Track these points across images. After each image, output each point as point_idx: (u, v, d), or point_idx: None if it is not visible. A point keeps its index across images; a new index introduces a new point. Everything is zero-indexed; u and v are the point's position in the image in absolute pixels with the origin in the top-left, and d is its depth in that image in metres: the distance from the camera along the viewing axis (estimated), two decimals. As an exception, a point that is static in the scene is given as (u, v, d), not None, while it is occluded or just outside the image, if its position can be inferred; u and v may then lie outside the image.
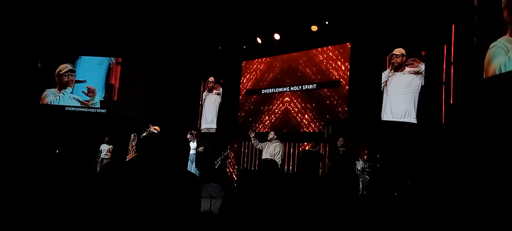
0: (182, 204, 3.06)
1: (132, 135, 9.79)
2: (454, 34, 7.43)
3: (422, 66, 7.97)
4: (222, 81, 11.96)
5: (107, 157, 10.39)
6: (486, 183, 4.55)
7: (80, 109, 12.06)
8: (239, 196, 3.37)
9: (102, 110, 12.08)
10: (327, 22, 9.26)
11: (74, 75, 12.18)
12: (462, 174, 4.99)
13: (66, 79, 12.11)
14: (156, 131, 8.59)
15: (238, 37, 11.00)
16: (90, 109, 12.06)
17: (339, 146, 7.30)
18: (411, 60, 8.12)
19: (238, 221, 3.13)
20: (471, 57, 6.65)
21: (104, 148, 10.48)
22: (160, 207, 2.84)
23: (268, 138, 7.99)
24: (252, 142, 8.25)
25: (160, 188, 2.94)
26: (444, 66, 7.47)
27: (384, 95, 8.40)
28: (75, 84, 12.20)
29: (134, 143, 9.57)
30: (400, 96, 8.10)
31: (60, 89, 12.08)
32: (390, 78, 8.36)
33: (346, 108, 9.16)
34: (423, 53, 8.01)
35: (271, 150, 7.69)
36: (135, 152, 9.33)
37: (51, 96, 12.08)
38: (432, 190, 4.88)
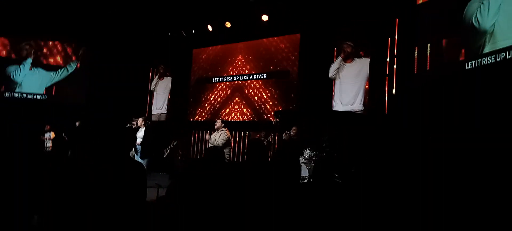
0: (127, 193, 2.99)
1: (77, 123, 9.33)
2: (397, 28, 7.76)
3: (367, 60, 8.26)
4: (168, 73, 11.71)
5: (49, 145, 9.86)
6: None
7: (18, 96, 11.36)
8: (183, 184, 3.34)
9: (42, 97, 11.44)
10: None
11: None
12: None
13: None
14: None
15: (188, 24, 10.80)
16: (28, 96, 11.38)
17: (292, 135, 7.39)
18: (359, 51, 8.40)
19: (181, 209, 3.10)
20: (413, 50, 6.97)
21: (47, 136, 9.95)
22: (105, 197, 2.75)
23: (215, 126, 7.95)
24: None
25: (105, 178, 2.85)
26: (388, 58, 7.78)
27: (336, 82, 8.60)
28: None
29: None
30: (350, 85, 8.35)
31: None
32: (341, 66, 8.56)
33: (295, 98, 9.31)
34: (361, 53, 8.31)
35: (217, 138, 7.67)
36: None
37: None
38: (374, 177, 5.10)
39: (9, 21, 10.87)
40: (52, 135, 9.98)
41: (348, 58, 8.43)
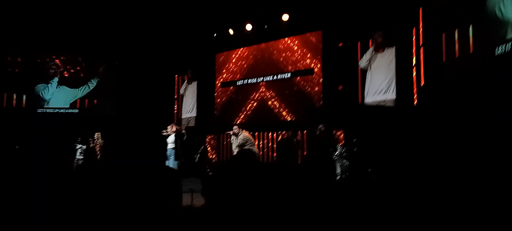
0: (163, 200, 3.04)
1: (96, 134, 9.50)
2: (421, 17, 7.60)
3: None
4: (196, 77, 11.83)
5: (81, 157, 10.07)
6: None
7: (50, 110, 11.74)
8: (214, 189, 3.36)
9: (74, 111, 11.78)
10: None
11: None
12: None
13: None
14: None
15: (210, 30, 10.89)
16: (61, 110, 11.75)
17: (318, 133, 7.36)
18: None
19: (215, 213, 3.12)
20: (440, 39, 6.81)
21: (78, 148, 10.18)
22: (140, 206, 2.82)
23: (232, 133, 7.90)
24: None
25: (139, 187, 2.91)
26: (414, 49, 7.63)
27: (368, 73, 8.45)
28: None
29: (98, 142, 9.30)
30: (382, 75, 8.18)
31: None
32: (373, 56, 8.37)
33: (321, 96, 9.25)
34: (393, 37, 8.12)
35: (237, 143, 7.62)
36: (99, 151, 9.12)
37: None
38: (407, 172, 5.02)
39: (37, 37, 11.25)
40: (83, 147, 10.01)
41: (379, 48, 8.25)
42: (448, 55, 6.56)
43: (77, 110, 11.78)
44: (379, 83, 8.16)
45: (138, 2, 9.80)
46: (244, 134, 7.71)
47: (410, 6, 7.70)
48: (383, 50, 8.21)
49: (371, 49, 8.43)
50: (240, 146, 7.55)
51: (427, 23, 7.40)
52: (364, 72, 8.51)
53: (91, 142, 9.50)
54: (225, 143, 10.86)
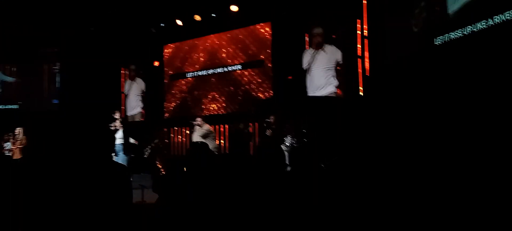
0: (113, 196, 2.95)
1: (17, 129, 8.55)
2: (366, 9, 7.86)
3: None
4: (139, 73, 11.49)
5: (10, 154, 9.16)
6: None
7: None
8: (170, 180, 3.32)
9: (14, 106, 11.10)
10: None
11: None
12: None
13: None
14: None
15: (157, 20, 10.63)
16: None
17: (271, 123, 7.44)
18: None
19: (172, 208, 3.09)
20: (384, 30, 7.09)
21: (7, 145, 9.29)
22: (91, 202, 2.72)
23: (195, 123, 7.94)
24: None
25: (88, 183, 2.80)
26: (359, 40, 7.88)
27: (307, 73, 8.62)
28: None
29: (20, 138, 8.41)
30: (322, 72, 8.38)
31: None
32: (314, 56, 8.51)
33: (271, 87, 9.35)
34: (334, 36, 8.33)
35: (200, 133, 7.68)
36: (20, 148, 8.40)
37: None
38: (356, 161, 5.18)
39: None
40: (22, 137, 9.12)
41: (319, 46, 8.42)
42: (391, 47, 6.85)
43: (17, 106, 11.10)
44: (318, 79, 8.34)
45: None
46: (207, 126, 7.79)
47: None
48: (323, 48, 8.39)
49: (310, 50, 8.56)
50: (203, 136, 7.60)
51: (371, 14, 7.69)
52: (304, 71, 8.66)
53: (11, 138, 8.62)
54: (176, 138, 10.71)
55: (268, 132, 7.40)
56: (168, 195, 3.19)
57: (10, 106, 11.07)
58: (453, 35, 5.55)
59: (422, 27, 6.09)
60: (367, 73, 7.59)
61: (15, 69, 11.38)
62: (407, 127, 5.43)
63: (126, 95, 11.57)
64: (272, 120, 7.56)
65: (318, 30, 8.53)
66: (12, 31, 10.75)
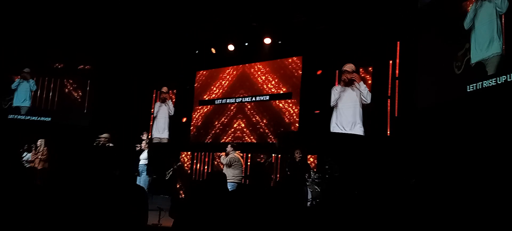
0: (128, 217, 2.96)
1: (39, 141, 8.90)
2: (399, 50, 7.83)
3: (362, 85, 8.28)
4: (174, 91, 11.73)
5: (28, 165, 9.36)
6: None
7: (22, 117, 11.43)
8: (187, 207, 3.31)
9: (46, 119, 11.49)
10: (280, 42, 9.57)
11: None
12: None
13: None
14: (106, 140, 8.11)
15: (192, 46, 10.89)
16: (32, 117, 11.46)
17: (296, 159, 7.30)
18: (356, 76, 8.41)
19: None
20: (415, 73, 7.00)
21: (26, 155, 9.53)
22: (106, 221, 2.73)
23: (226, 151, 7.90)
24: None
25: (105, 202, 2.83)
26: (390, 80, 7.81)
27: (334, 109, 8.59)
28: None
29: (41, 149, 8.73)
30: (349, 110, 8.34)
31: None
32: (341, 94, 8.53)
33: (298, 120, 9.31)
34: (370, 69, 8.31)
35: (225, 161, 7.63)
36: (41, 160, 8.61)
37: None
38: (383, 201, 5.06)
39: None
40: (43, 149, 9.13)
41: (350, 83, 8.43)
42: (422, 89, 6.74)
43: (49, 119, 11.49)
44: (346, 118, 8.30)
45: (122, 9, 9.69)
46: (234, 155, 7.68)
47: (388, 39, 7.93)
48: (352, 86, 8.38)
49: (338, 87, 8.58)
50: (227, 165, 7.54)
51: (404, 56, 7.65)
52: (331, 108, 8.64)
53: (33, 149, 8.93)
54: (199, 162, 10.76)
55: (296, 156, 7.25)
56: (183, 221, 3.17)
57: (42, 119, 11.45)
58: (486, 83, 5.42)
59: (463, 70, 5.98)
60: (396, 114, 7.49)
61: (45, 82, 11.83)
62: (433, 171, 5.28)
63: (154, 117, 11.79)
64: (298, 154, 7.40)
65: (348, 67, 8.53)
66: (48, 47, 11.29)
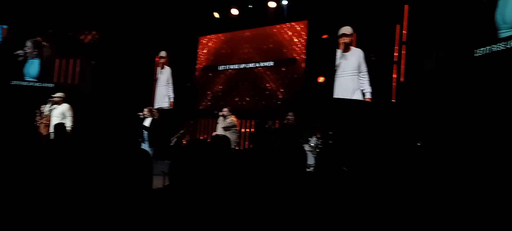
0: (132, 181, 2.95)
1: (42, 107, 8.49)
2: (407, 14, 7.64)
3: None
4: (168, 63, 11.60)
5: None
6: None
7: (26, 84, 11.43)
8: (187, 166, 3.28)
9: (49, 85, 11.45)
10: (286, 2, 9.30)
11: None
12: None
13: None
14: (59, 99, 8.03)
15: (194, 11, 10.70)
16: (36, 84, 11.45)
17: (289, 120, 7.34)
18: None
19: (180, 193, 3.05)
20: (423, 37, 6.86)
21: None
22: (108, 184, 2.73)
23: (221, 114, 7.96)
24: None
25: (108, 166, 2.82)
26: (396, 45, 7.66)
27: (336, 75, 8.48)
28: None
29: (45, 114, 8.35)
30: (347, 77, 8.22)
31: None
32: (341, 60, 8.40)
33: (302, 86, 9.23)
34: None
35: (223, 125, 7.70)
36: (45, 124, 8.53)
37: None
38: (386, 167, 5.03)
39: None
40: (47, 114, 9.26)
41: (346, 49, 8.28)
42: (429, 54, 6.62)
43: (53, 85, 11.44)
44: (345, 84, 8.20)
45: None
46: (232, 119, 7.76)
47: (396, 3, 7.72)
48: (349, 50, 8.22)
49: (339, 52, 8.42)
50: (225, 128, 7.58)
51: (412, 20, 7.47)
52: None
53: (37, 115, 8.59)
54: (203, 127, 10.77)
55: (287, 119, 7.26)
56: (179, 182, 3.15)
57: (46, 85, 11.41)
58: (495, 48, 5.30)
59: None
60: (402, 79, 7.38)
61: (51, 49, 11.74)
62: (439, 137, 5.23)
63: (156, 83, 11.76)
64: (291, 117, 7.45)
65: (345, 30, 8.36)
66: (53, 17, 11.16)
